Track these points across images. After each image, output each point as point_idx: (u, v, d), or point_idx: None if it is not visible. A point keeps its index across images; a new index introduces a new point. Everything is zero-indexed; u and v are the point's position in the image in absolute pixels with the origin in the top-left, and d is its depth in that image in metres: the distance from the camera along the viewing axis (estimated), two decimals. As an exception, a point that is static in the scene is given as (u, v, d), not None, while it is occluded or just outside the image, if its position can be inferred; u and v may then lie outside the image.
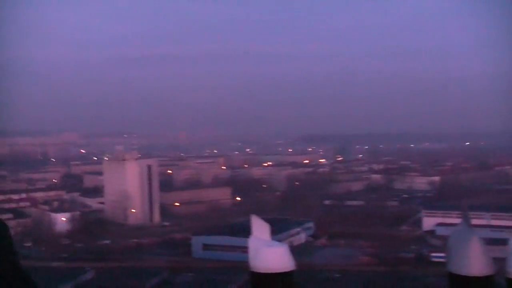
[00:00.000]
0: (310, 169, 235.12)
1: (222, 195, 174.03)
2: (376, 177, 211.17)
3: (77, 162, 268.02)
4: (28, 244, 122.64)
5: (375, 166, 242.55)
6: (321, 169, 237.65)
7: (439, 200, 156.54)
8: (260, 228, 7.14)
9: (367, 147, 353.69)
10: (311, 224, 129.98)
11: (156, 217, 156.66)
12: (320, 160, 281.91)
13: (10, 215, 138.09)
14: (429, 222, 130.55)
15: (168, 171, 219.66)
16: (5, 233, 2.44)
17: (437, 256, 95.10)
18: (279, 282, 6.41)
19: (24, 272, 2.55)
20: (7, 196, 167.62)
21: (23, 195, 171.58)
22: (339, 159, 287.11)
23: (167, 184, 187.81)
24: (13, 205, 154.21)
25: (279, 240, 7.42)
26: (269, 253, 6.46)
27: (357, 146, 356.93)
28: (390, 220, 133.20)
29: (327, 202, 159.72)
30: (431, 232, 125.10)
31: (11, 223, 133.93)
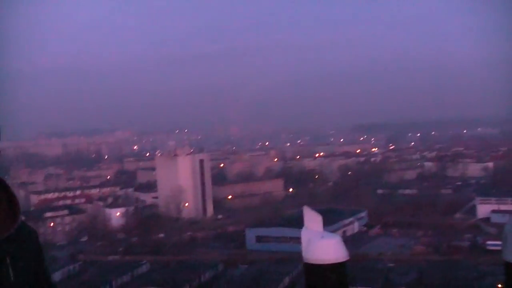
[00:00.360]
0: (362, 159, 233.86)
1: (275, 187, 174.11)
2: (429, 165, 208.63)
3: (131, 159, 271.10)
4: (84, 239, 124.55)
5: (428, 154, 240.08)
6: (373, 158, 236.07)
7: (493, 186, 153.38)
8: (312, 219, 7.15)
9: (419, 134, 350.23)
10: (364, 214, 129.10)
11: (210, 210, 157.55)
12: (372, 149, 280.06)
13: (66, 211, 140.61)
14: (483, 209, 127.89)
15: (221, 165, 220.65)
16: (34, 239, 2.38)
17: (492, 244, 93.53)
18: (332, 273, 6.41)
19: (51, 283, 2.52)
20: (63, 193, 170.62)
21: (78, 192, 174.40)
22: (391, 147, 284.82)
23: (219, 178, 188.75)
24: (68, 202, 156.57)
25: (333, 231, 7.40)
26: (322, 244, 6.47)
27: (409, 134, 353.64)
28: (444, 208, 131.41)
29: (380, 191, 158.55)
30: (486, 220, 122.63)
31: (67, 219, 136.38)
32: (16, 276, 2.10)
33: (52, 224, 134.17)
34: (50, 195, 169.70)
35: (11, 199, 2.20)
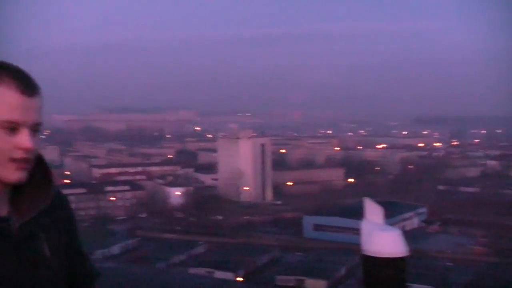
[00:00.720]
0: (424, 153, 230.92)
1: (335, 176, 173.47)
2: (492, 163, 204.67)
3: (192, 139, 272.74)
4: (143, 215, 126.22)
5: (492, 152, 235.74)
6: (435, 153, 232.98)
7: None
8: (373, 211, 7.14)
9: (484, 131, 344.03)
10: (423, 209, 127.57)
11: (268, 195, 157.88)
12: (434, 144, 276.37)
13: (127, 187, 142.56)
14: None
15: (281, 150, 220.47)
16: (67, 208, 2.31)
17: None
18: (391, 268, 6.40)
19: (84, 252, 2.44)
20: (124, 169, 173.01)
21: (139, 169, 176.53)
22: (455, 143, 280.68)
23: (280, 163, 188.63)
24: (129, 178, 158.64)
25: (391, 224, 7.37)
26: (382, 237, 6.44)
27: (474, 130, 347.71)
28: (506, 209, 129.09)
29: (440, 187, 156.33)
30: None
31: (127, 195, 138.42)
32: (52, 251, 2.07)
33: (112, 198, 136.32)
34: (111, 170, 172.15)
35: (46, 171, 2.14)
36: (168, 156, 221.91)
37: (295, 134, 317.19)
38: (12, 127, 1.92)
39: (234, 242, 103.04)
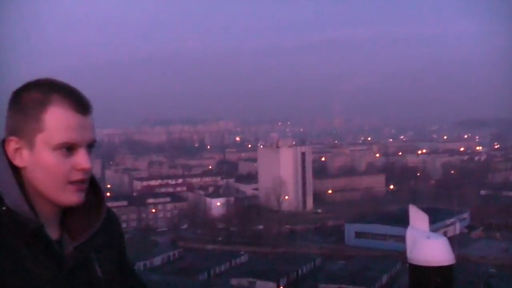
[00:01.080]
0: (466, 157, 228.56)
1: (376, 182, 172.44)
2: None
3: (232, 149, 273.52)
4: (185, 227, 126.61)
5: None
6: (477, 157, 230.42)
7: None
8: (419, 218, 6.89)
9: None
10: (466, 215, 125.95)
11: (310, 204, 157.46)
12: (476, 148, 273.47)
13: (167, 199, 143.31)
14: None
15: (322, 158, 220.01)
16: (117, 228, 2.25)
17: None
18: (438, 276, 6.13)
19: (133, 269, 2.41)
20: (165, 181, 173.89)
21: (180, 180, 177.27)
22: (496, 146, 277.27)
23: (320, 171, 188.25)
24: (170, 190, 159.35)
25: (434, 230, 7.14)
26: (428, 246, 6.20)
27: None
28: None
29: (483, 192, 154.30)
30: None
31: (169, 206, 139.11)
32: (104, 271, 2.02)
33: (154, 210, 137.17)
34: (152, 182, 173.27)
35: (96, 190, 2.07)
36: (209, 167, 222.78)
37: (335, 141, 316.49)
38: (69, 148, 1.91)
39: (276, 252, 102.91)
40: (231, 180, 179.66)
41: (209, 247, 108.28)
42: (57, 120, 1.88)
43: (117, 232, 2.23)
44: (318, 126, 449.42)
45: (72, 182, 1.88)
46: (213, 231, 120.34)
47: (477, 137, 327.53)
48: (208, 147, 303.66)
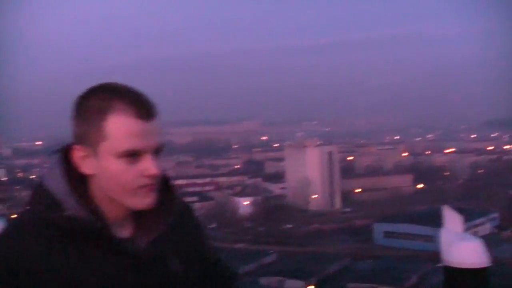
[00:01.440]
0: (494, 157, 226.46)
1: (403, 182, 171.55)
2: None
3: (259, 149, 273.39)
4: (213, 226, 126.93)
5: None
6: (506, 156, 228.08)
7: None
8: (453, 219, 7.06)
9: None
10: (495, 215, 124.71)
11: (337, 203, 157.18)
12: (504, 147, 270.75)
13: (195, 198, 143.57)
14: None
15: (349, 158, 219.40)
16: (192, 219, 2.28)
17: None
18: (473, 279, 6.33)
19: (220, 260, 2.50)
20: (192, 181, 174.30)
21: (207, 180, 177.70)
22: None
23: (347, 171, 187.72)
24: (197, 189, 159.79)
25: (463, 230, 7.23)
26: (463, 247, 6.39)
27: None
28: None
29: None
30: None
31: (196, 206, 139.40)
32: (183, 265, 2.02)
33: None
34: (179, 182, 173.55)
35: (168, 186, 2.08)
36: (235, 166, 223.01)
37: (362, 141, 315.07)
38: (134, 155, 1.88)
39: (304, 251, 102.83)
40: (258, 179, 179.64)
41: (237, 246, 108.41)
42: (118, 128, 1.86)
43: (193, 225, 2.23)
44: (345, 125, 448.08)
45: (140, 187, 1.87)
46: (241, 230, 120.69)
47: (505, 136, 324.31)
48: (234, 146, 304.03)
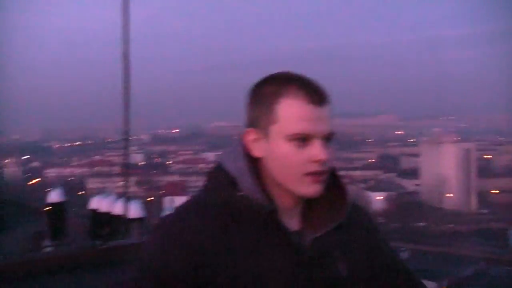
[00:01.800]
0: None
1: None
2: None
3: (394, 144, 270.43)
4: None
5: None
6: None
7: None
8: None
9: None
10: None
11: (473, 203, 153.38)
12: None
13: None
14: None
15: (486, 156, 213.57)
16: (367, 222, 2.31)
17: None
18: None
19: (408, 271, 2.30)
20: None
21: (342, 173, 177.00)
22: None
23: (484, 170, 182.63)
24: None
25: None
26: None
27: None
28: None
29: None
30: None
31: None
32: (350, 270, 1.99)
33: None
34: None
35: (339, 183, 2.16)
36: (370, 160, 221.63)
37: (501, 138, 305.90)
38: (303, 139, 1.91)
39: (437, 251, 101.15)
40: (393, 175, 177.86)
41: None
42: (289, 111, 1.89)
43: (366, 228, 2.23)
44: (483, 122, 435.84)
45: (308, 174, 1.91)
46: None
47: None
48: (370, 140, 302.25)
